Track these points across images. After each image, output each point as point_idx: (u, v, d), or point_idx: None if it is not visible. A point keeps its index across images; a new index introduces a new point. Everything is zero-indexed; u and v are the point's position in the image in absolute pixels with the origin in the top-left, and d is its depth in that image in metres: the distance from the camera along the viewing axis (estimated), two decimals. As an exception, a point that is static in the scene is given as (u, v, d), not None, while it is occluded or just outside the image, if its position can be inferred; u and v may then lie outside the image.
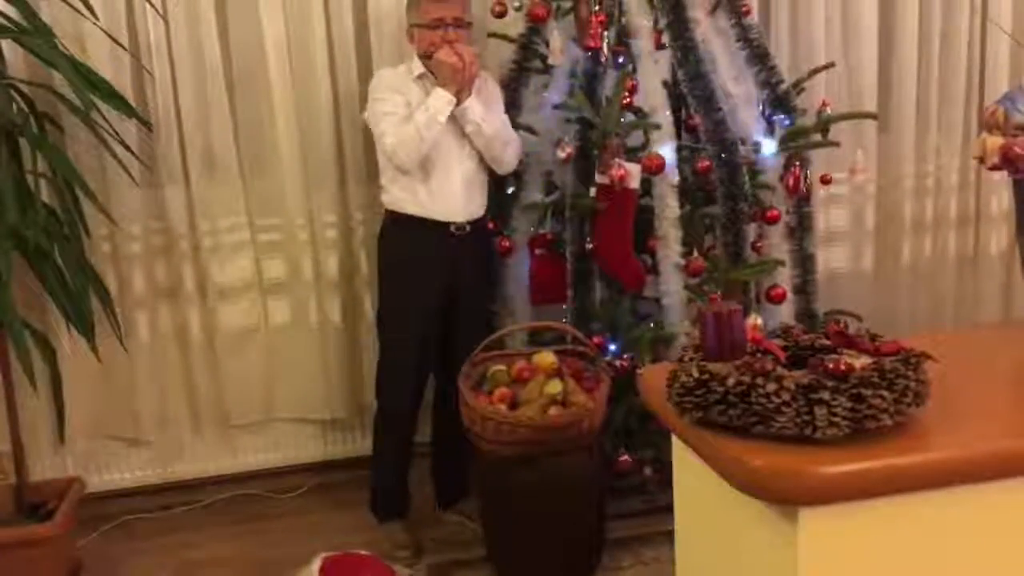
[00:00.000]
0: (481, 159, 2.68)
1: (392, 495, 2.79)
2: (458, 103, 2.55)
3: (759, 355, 1.24)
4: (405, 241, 2.68)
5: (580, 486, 2.45)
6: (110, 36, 2.68)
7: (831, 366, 1.15)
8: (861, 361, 1.20)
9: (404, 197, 2.63)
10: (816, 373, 1.16)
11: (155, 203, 2.93)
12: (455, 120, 2.58)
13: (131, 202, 2.87)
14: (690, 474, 1.35)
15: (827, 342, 1.30)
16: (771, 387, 1.15)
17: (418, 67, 2.63)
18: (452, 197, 2.63)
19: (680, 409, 1.24)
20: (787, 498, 1.12)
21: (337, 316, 3.12)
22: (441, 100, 2.52)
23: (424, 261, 2.64)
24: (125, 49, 2.74)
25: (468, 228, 2.67)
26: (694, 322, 2.64)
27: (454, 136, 2.61)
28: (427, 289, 2.65)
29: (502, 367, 2.59)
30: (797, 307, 2.82)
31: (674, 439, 1.38)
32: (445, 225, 2.63)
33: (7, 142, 2.46)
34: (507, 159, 2.70)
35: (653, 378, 1.40)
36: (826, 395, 1.13)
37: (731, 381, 1.17)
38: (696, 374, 1.22)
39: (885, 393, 1.14)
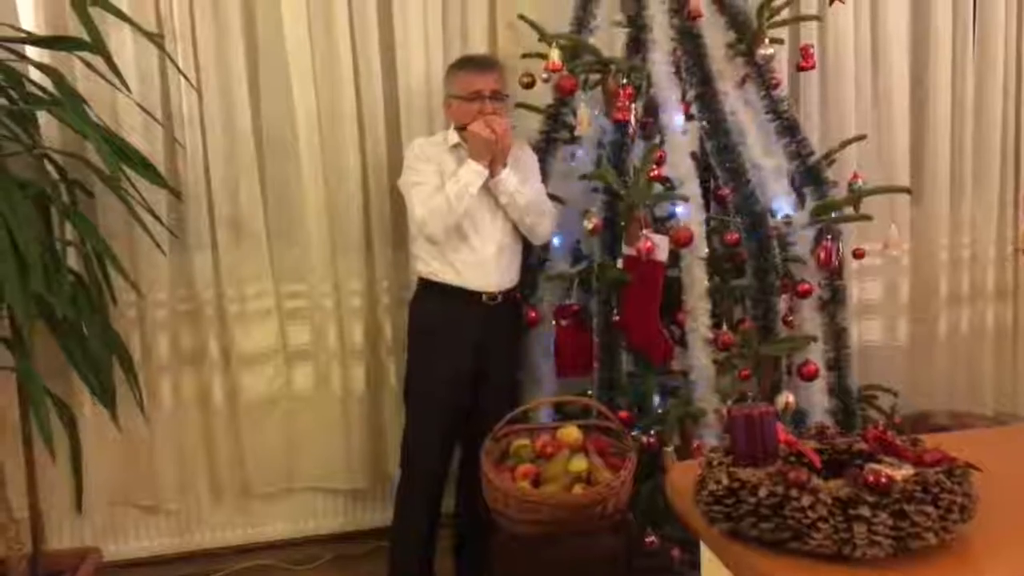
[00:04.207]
0: (515, 229, 2.67)
1: (414, 576, 2.71)
2: (492, 174, 2.55)
3: (793, 461, 1.18)
4: (436, 309, 2.65)
5: (605, 567, 2.37)
6: (143, 108, 2.71)
7: (871, 478, 1.09)
8: (902, 472, 1.13)
9: (436, 266, 2.62)
10: (855, 485, 1.10)
11: (183, 269, 2.94)
12: (489, 191, 2.58)
13: (159, 268, 2.87)
14: (720, 584, 1.29)
15: (865, 447, 1.23)
16: (806, 500, 1.09)
17: (454, 137, 2.64)
18: (485, 267, 2.62)
19: (708, 518, 1.18)
20: (824, 623, 1.05)
21: (361, 385, 3.08)
22: (472, 172, 2.53)
23: (454, 329, 2.61)
24: (157, 121, 2.77)
25: (500, 298, 2.64)
26: (724, 399, 2.58)
27: (488, 206, 2.61)
28: (457, 357, 2.62)
29: (526, 442, 2.53)
30: (830, 382, 2.74)
31: (703, 546, 1.31)
32: (477, 295, 2.61)
33: (38, 210, 2.48)
34: (542, 230, 2.68)
35: (681, 478, 1.34)
36: (866, 511, 1.07)
37: (763, 492, 1.11)
38: (726, 481, 1.16)
39: (930, 509, 1.08)
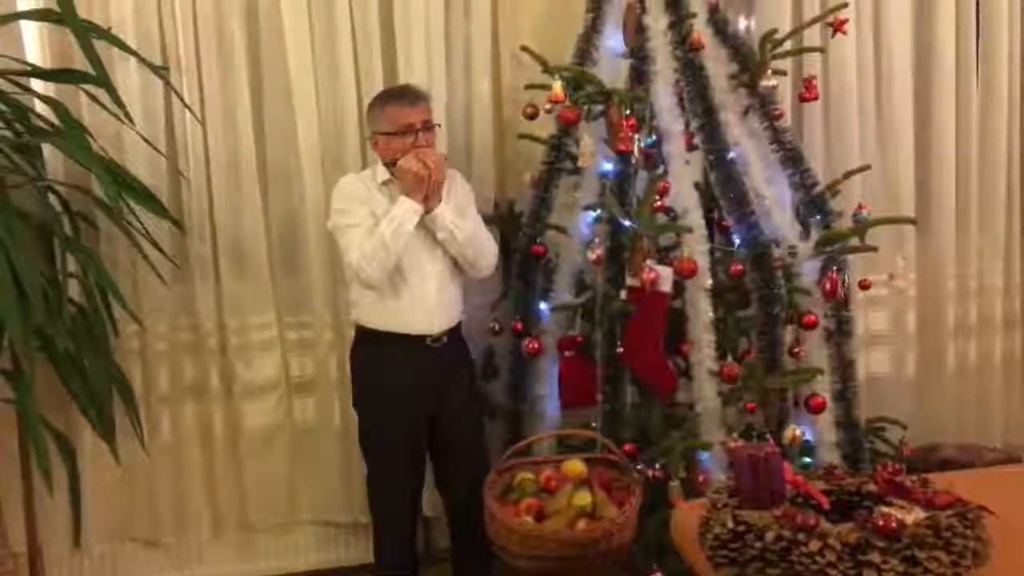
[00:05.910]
0: (455, 265, 2.56)
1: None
2: (427, 210, 2.43)
3: (800, 502, 1.16)
4: (378, 359, 2.53)
5: (610, 604, 2.34)
6: (146, 140, 2.71)
7: (881, 522, 1.06)
8: (913, 515, 1.10)
9: (375, 312, 2.51)
10: (864, 529, 1.07)
11: (185, 300, 2.93)
12: (425, 227, 2.47)
13: (161, 299, 2.86)
14: (727, 629, 1.25)
15: (874, 488, 1.21)
16: (814, 545, 1.06)
17: (383, 173, 2.51)
18: (426, 308, 2.50)
19: (713, 563, 1.15)
20: (834, 674, 1.02)
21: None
22: (406, 210, 2.39)
23: (402, 378, 2.49)
24: (161, 153, 2.78)
25: (445, 339, 2.54)
26: (730, 431, 2.55)
27: (424, 244, 2.49)
28: (409, 407, 2.51)
29: (529, 475, 2.50)
30: (837, 415, 2.71)
31: (709, 591, 1.28)
32: (421, 339, 2.50)
33: (40, 242, 2.48)
34: (483, 262, 2.58)
35: (686, 519, 1.31)
36: (876, 556, 1.04)
37: (770, 536, 1.09)
38: (731, 524, 1.13)
39: (941, 555, 1.05)
